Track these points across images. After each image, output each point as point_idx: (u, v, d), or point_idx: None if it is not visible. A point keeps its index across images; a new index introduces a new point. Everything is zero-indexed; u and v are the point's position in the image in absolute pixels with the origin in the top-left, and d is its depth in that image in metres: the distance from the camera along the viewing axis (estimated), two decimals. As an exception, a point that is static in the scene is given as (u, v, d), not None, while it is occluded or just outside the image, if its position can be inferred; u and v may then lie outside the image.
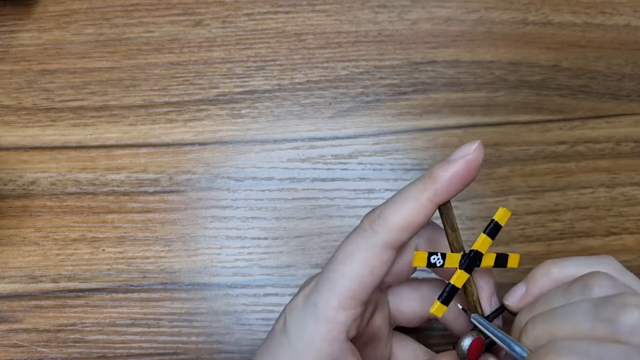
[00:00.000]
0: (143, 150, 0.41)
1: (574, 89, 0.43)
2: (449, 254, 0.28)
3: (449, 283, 0.28)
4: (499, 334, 0.27)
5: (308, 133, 0.42)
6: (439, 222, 0.29)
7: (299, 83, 0.43)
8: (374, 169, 0.41)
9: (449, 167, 0.27)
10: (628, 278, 0.26)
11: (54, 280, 0.39)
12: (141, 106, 0.42)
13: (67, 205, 0.40)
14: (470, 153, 0.26)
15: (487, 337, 0.28)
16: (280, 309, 0.38)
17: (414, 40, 0.44)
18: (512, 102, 0.43)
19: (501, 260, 0.29)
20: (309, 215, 0.40)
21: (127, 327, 0.38)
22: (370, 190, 0.40)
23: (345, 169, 0.41)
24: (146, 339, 0.37)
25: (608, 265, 0.27)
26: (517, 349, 0.25)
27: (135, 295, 0.38)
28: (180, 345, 0.37)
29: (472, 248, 0.28)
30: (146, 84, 0.43)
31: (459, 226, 0.29)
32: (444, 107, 0.43)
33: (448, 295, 0.28)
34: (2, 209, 0.40)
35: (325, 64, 0.43)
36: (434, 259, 0.27)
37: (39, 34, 0.44)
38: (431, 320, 0.33)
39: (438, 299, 0.28)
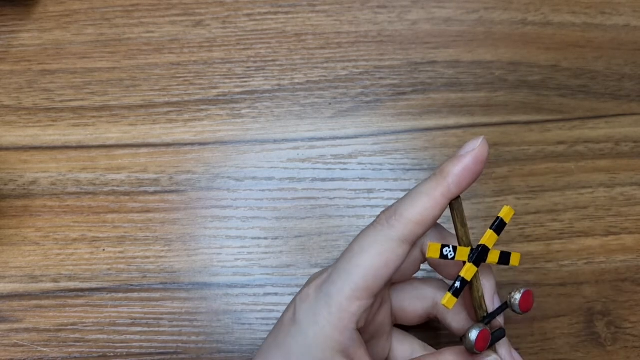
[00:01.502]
0: (143, 150, 0.41)
1: (574, 89, 0.43)
2: (459, 248, 0.29)
3: (459, 276, 0.29)
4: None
5: (308, 133, 0.42)
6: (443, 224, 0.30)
7: (299, 83, 0.43)
8: (373, 169, 0.41)
9: (459, 162, 0.28)
10: None
11: (55, 280, 0.39)
12: (141, 106, 0.42)
13: (68, 205, 0.40)
14: (476, 148, 0.28)
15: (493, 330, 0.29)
16: (281, 308, 0.38)
17: (414, 40, 0.44)
18: (511, 102, 0.43)
19: (504, 258, 0.30)
20: (308, 215, 0.40)
21: (128, 326, 0.38)
22: (370, 190, 0.41)
23: (345, 169, 0.41)
24: (146, 338, 0.37)
25: None
26: None
27: (135, 295, 0.38)
28: (180, 344, 0.37)
29: (479, 243, 0.29)
30: (146, 84, 0.43)
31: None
32: (444, 108, 0.43)
33: (459, 287, 0.29)
34: (3, 209, 0.40)
35: (325, 64, 0.43)
36: (446, 251, 0.28)
37: (39, 34, 0.44)
38: (430, 319, 0.33)
39: (449, 290, 0.29)
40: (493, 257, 0.30)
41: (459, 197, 0.29)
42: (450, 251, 0.29)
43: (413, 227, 0.28)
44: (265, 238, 0.40)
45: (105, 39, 0.44)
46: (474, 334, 0.28)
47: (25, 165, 0.41)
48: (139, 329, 0.38)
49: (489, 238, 0.29)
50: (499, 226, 0.30)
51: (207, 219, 0.40)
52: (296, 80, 0.43)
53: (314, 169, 0.41)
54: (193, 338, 0.37)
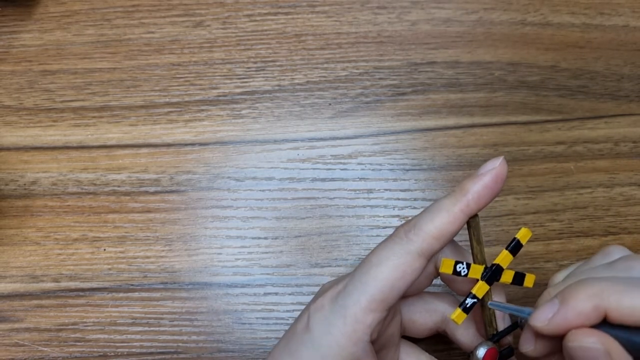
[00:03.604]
0: (144, 150, 0.41)
1: (573, 90, 0.43)
2: (473, 265, 0.29)
3: (471, 293, 0.29)
4: (518, 308, 0.28)
5: (308, 133, 0.42)
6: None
7: (299, 84, 0.43)
8: (373, 169, 0.41)
9: (479, 180, 0.29)
10: None
11: (55, 280, 0.39)
12: (142, 106, 0.42)
13: (68, 205, 0.40)
14: (496, 167, 0.29)
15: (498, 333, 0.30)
16: (281, 308, 0.38)
17: (414, 41, 0.44)
18: (511, 102, 0.43)
19: (518, 279, 0.30)
20: (308, 215, 0.40)
21: (128, 326, 0.38)
22: (370, 190, 0.41)
23: (345, 169, 0.41)
24: (147, 338, 0.38)
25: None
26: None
27: (136, 294, 0.38)
28: (180, 344, 0.37)
29: (494, 262, 0.30)
30: (147, 84, 0.43)
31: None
32: (443, 108, 0.43)
33: (469, 304, 0.29)
34: (4, 209, 0.40)
35: (325, 65, 0.43)
36: (459, 267, 0.29)
37: (40, 35, 0.44)
38: (439, 333, 0.33)
39: (459, 306, 0.29)
40: (507, 277, 0.30)
41: (476, 215, 0.29)
42: (463, 268, 0.29)
43: (431, 241, 0.28)
44: (265, 238, 0.40)
45: (105, 39, 0.44)
46: (481, 352, 0.29)
47: (26, 166, 0.41)
48: (140, 328, 0.38)
49: (503, 258, 0.30)
50: (515, 247, 0.30)
51: (207, 219, 0.40)
52: (296, 81, 0.43)
53: (314, 169, 0.41)
54: (193, 337, 0.38)
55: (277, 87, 0.43)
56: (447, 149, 0.42)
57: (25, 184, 0.41)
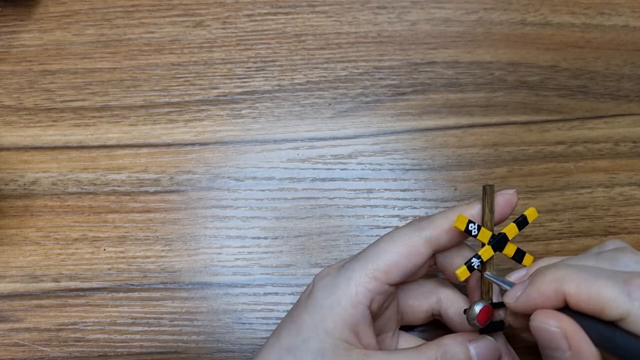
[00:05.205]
0: (144, 150, 0.41)
1: (573, 90, 0.43)
2: (483, 229, 0.31)
3: (477, 254, 0.31)
4: (508, 282, 0.30)
5: (308, 133, 0.42)
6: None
7: (299, 84, 0.43)
8: (373, 169, 0.41)
9: (499, 195, 0.31)
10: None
11: (55, 280, 0.39)
12: (142, 106, 0.42)
13: (68, 205, 0.40)
14: (510, 193, 0.31)
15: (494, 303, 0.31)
16: (281, 307, 0.38)
17: (413, 41, 0.44)
18: (511, 102, 0.43)
19: (519, 255, 0.32)
20: (308, 215, 0.40)
21: (128, 326, 0.38)
22: (370, 190, 0.41)
23: (345, 169, 0.41)
24: (147, 338, 0.38)
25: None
26: None
27: (136, 294, 0.38)
28: (180, 344, 0.37)
29: (501, 231, 0.32)
30: (147, 84, 0.43)
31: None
32: (443, 108, 0.43)
33: (474, 263, 0.31)
34: (4, 209, 0.40)
35: (325, 65, 0.43)
36: (471, 226, 0.31)
37: (40, 35, 0.44)
38: (434, 316, 0.34)
39: (465, 264, 0.31)
40: (510, 250, 0.32)
41: (493, 185, 0.31)
42: (474, 228, 0.31)
43: (441, 232, 0.31)
44: (265, 238, 0.40)
45: (105, 39, 0.44)
46: (478, 307, 0.30)
47: (26, 165, 0.41)
48: (140, 328, 0.38)
49: (510, 230, 0.32)
50: (521, 222, 0.32)
51: (207, 218, 0.40)
52: (296, 81, 0.43)
53: (314, 169, 0.41)
54: (193, 337, 0.38)
55: (277, 87, 0.43)
56: (447, 148, 0.42)
57: (25, 184, 0.41)
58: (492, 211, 0.31)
